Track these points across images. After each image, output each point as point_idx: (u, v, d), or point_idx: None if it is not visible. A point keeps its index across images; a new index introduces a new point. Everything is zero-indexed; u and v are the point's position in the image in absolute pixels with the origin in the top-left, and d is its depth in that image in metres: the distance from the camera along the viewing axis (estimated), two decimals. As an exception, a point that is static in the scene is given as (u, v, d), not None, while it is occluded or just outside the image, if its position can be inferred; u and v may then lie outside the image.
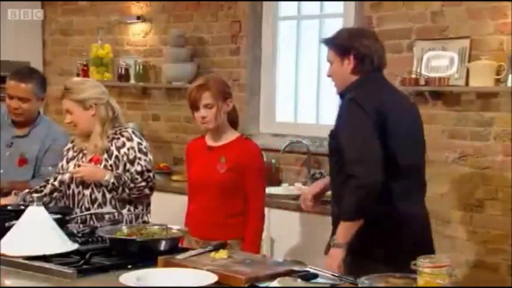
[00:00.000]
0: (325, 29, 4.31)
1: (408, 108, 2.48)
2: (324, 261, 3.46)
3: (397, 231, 2.31)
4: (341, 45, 2.44)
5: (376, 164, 2.22)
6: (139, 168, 2.78)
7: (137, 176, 2.78)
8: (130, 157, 2.78)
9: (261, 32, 4.54)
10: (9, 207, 2.57)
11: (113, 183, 2.73)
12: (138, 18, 4.98)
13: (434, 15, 3.71)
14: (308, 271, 1.98)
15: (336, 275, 1.97)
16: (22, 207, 2.47)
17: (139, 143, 2.81)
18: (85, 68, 5.11)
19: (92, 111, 2.80)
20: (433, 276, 1.68)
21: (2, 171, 3.05)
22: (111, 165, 2.77)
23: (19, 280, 2.05)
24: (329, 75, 2.49)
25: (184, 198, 4.19)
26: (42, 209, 2.25)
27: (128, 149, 2.78)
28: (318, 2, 4.34)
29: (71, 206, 2.82)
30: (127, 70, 4.97)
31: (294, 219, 3.51)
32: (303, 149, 4.22)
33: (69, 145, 2.95)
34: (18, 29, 5.28)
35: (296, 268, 2.01)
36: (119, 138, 2.80)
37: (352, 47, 2.41)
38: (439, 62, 3.62)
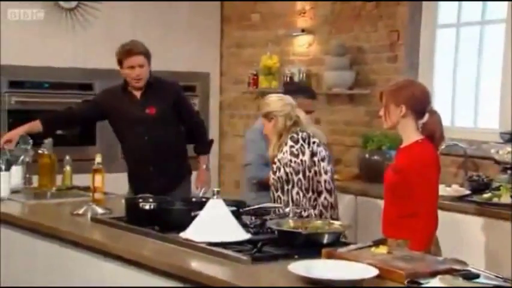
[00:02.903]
0: (486, 35, 4.06)
1: None
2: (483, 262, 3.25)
3: None
4: (150, 55, 3.49)
5: None
6: (290, 170, 2.86)
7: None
8: (285, 160, 2.88)
9: (419, 40, 4.38)
10: (193, 199, 2.72)
11: None
12: (303, 31, 5.04)
13: None
14: (469, 270, 1.87)
15: (500, 276, 1.83)
16: (204, 199, 2.60)
17: (291, 146, 2.89)
18: (255, 77, 5.27)
19: (272, 122, 2.96)
20: None
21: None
22: (276, 167, 2.90)
23: (201, 263, 2.15)
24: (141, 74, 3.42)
25: (341, 196, 4.19)
26: (221, 201, 2.36)
27: (284, 153, 2.89)
28: (480, 10, 4.09)
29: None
30: (292, 78, 5.04)
31: (452, 219, 3.34)
32: (460, 151, 4.00)
33: None
34: (199, 44, 5.59)
35: (457, 267, 1.90)
36: (285, 146, 2.91)
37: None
38: None
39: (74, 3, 5.06)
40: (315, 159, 2.93)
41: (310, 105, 3.27)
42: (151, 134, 3.41)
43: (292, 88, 3.42)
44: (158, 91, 3.47)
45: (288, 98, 3.04)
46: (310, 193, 2.91)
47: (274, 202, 2.92)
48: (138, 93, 3.49)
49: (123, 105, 3.46)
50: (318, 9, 4.96)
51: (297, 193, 2.88)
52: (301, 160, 2.88)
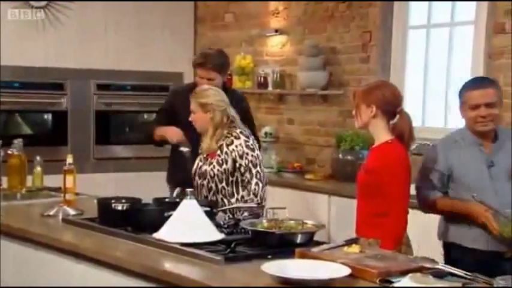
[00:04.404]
0: (456, 36, 4.13)
1: None
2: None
3: None
4: (225, 66, 3.44)
5: None
6: (246, 162, 2.92)
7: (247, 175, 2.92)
8: (240, 152, 2.92)
9: (390, 41, 4.42)
10: (166, 200, 2.71)
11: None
12: (276, 31, 5.05)
13: None
14: (440, 268, 1.89)
15: (469, 274, 1.86)
16: (177, 200, 2.58)
17: (246, 141, 2.94)
18: (229, 77, 5.26)
19: (209, 114, 2.95)
20: None
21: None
22: (222, 160, 2.93)
23: (174, 263, 2.14)
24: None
25: (314, 195, 4.22)
26: (194, 202, 2.35)
27: (236, 146, 2.93)
28: (448, 11, 4.15)
29: (197, 195, 2.92)
30: (265, 78, 5.05)
31: (422, 218, 3.37)
32: (431, 151, 4.06)
33: None
34: (172, 44, 5.56)
35: (427, 265, 1.92)
36: (228, 137, 2.95)
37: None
38: None
39: (43, 3, 4.98)
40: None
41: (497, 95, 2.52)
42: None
43: (478, 83, 2.61)
44: (229, 98, 3.30)
45: (223, 95, 3.05)
46: (266, 186, 2.99)
47: (217, 193, 2.95)
48: None
49: (189, 107, 3.24)
50: (291, 9, 4.98)
51: (256, 184, 2.92)
52: (257, 154, 2.97)
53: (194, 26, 5.70)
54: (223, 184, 2.95)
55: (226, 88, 3.47)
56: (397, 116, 2.55)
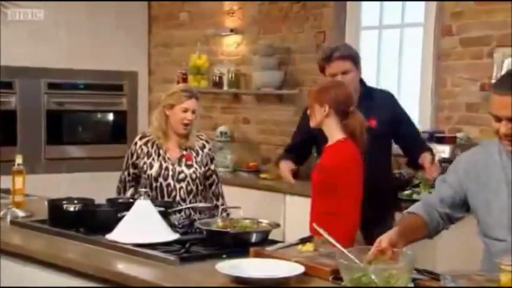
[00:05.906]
0: (406, 38, 4.22)
1: None
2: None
3: None
4: (359, 58, 2.90)
5: None
6: (214, 167, 3.03)
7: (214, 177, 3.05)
8: (211, 156, 3.02)
9: (344, 41, 4.48)
10: (120, 200, 2.66)
11: None
12: (232, 30, 5.04)
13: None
14: (390, 265, 1.92)
15: (418, 268, 1.90)
16: (131, 200, 2.55)
17: (213, 145, 3.09)
18: (184, 77, 5.23)
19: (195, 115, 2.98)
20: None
21: None
22: (199, 162, 2.96)
23: (128, 264, 2.11)
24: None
25: (270, 195, 4.23)
26: (148, 202, 2.32)
27: (209, 150, 3.01)
28: (399, 13, 4.24)
29: (159, 197, 2.89)
30: (221, 78, 5.04)
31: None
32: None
33: (140, 142, 2.97)
34: (127, 43, 5.49)
35: (378, 262, 1.94)
36: (198, 141, 2.99)
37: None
38: (519, 68, 3.43)
39: (-9, 1, 4.84)
40: None
41: None
42: (366, 152, 2.64)
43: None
44: (375, 100, 2.86)
45: None
46: None
47: (196, 195, 2.94)
48: None
49: None
50: (246, 9, 4.98)
51: (221, 187, 3.06)
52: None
53: (148, 25, 5.64)
54: (202, 187, 2.99)
55: (366, 87, 2.91)
56: (349, 116, 2.58)
